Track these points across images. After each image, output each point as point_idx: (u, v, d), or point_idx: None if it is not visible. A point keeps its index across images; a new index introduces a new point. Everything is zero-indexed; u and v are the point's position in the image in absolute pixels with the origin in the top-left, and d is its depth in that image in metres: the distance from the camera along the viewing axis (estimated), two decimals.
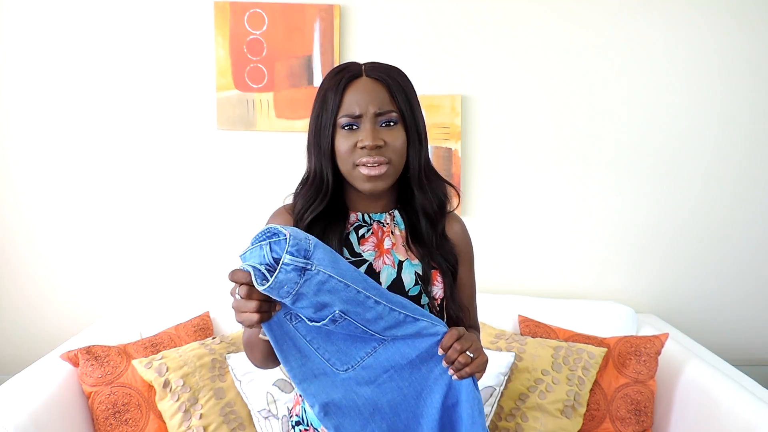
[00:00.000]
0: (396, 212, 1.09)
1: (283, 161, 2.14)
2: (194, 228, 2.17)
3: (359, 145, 0.97)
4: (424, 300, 1.02)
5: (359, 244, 1.05)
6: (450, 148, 2.11)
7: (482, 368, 0.94)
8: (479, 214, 2.17)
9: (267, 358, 1.00)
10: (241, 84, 2.09)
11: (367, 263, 1.03)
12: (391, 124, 0.99)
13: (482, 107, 2.13)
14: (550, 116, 2.14)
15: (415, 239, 1.06)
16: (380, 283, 1.01)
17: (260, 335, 0.94)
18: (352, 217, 1.07)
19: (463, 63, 2.10)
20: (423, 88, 2.08)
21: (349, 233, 1.05)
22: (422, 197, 1.04)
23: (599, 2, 2.08)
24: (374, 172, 0.97)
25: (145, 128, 2.12)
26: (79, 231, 2.16)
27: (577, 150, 2.15)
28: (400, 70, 1.04)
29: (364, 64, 1.03)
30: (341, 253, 1.01)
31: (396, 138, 0.99)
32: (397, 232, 1.07)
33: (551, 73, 2.12)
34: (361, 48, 2.09)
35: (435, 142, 2.10)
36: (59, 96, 2.10)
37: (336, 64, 2.07)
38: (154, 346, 1.73)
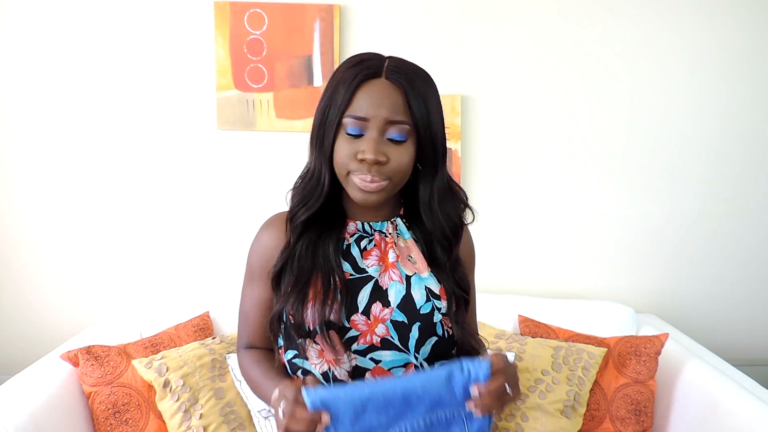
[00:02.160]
0: (399, 221, 1.01)
1: (283, 161, 2.14)
2: (194, 228, 2.17)
3: (359, 156, 0.88)
4: (437, 317, 0.95)
5: (362, 258, 0.97)
6: (450, 148, 2.11)
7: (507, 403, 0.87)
8: (479, 214, 2.17)
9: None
10: (241, 84, 2.09)
11: (373, 280, 0.95)
12: (401, 140, 0.89)
13: (482, 107, 2.13)
14: (550, 116, 2.14)
15: (430, 261, 0.99)
16: (389, 302, 0.94)
17: None
18: (351, 226, 0.99)
19: (463, 63, 2.10)
20: None
21: (350, 245, 0.97)
22: (431, 223, 0.96)
23: (600, 1, 2.08)
24: (370, 186, 0.89)
25: (145, 128, 2.12)
26: (79, 231, 2.16)
27: (577, 150, 2.15)
28: (425, 74, 0.95)
29: (388, 59, 0.93)
30: (340, 266, 0.94)
31: (402, 156, 0.89)
32: (401, 243, 0.99)
33: (552, 73, 2.12)
34: (361, 48, 2.09)
35: None
36: (59, 96, 2.10)
37: (336, 64, 2.07)
38: (154, 346, 1.73)
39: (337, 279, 0.92)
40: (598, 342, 1.82)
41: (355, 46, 2.09)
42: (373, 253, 0.97)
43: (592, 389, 1.73)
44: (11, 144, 2.11)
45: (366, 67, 0.90)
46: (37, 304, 2.18)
